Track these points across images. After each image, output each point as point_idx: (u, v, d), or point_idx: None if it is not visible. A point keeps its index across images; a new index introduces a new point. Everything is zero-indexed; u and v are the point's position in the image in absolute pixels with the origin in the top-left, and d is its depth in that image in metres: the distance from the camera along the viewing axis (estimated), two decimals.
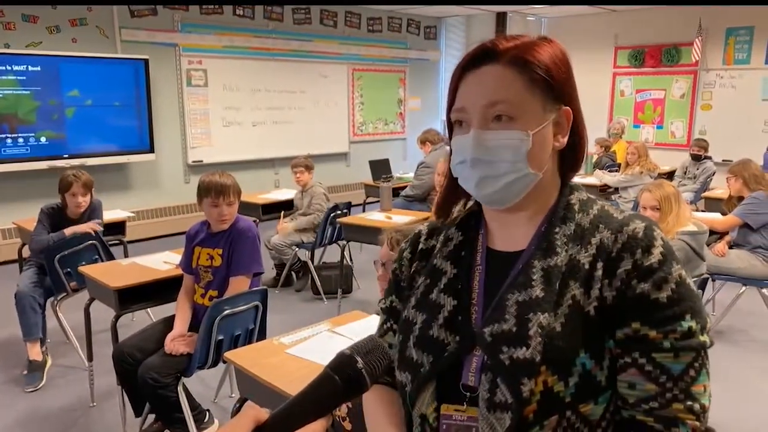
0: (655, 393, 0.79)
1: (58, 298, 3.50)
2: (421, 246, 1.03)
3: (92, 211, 3.73)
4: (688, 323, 0.79)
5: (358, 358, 0.69)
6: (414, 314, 0.95)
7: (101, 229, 3.67)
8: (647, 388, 0.79)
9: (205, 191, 2.61)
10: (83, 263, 3.33)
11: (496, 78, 0.86)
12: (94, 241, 3.54)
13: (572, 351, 0.80)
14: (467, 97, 0.88)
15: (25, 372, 3.33)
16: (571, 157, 0.92)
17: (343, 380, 0.67)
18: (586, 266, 0.83)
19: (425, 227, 1.06)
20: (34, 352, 3.36)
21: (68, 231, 3.53)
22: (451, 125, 0.92)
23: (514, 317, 0.83)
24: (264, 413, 0.65)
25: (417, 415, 0.91)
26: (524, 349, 0.80)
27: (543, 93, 0.86)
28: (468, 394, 0.86)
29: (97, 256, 3.54)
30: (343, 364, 0.69)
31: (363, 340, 0.73)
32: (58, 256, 3.36)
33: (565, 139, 0.89)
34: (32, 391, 3.21)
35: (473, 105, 0.87)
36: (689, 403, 0.78)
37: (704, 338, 0.80)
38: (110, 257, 3.60)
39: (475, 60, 0.88)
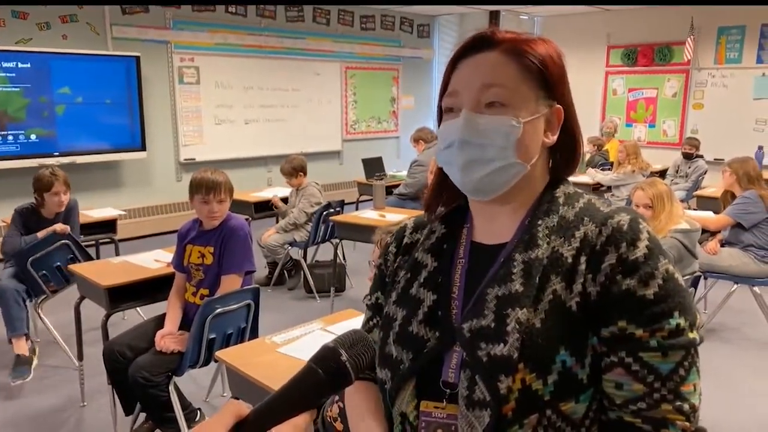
0: (643, 393, 0.77)
1: (38, 301, 3.45)
2: (405, 240, 1.01)
3: (68, 211, 3.62)
4: (677, 320, 0.76)
5: (342, 351, 0.67)
6: (394, 310, 0.93)
7: (69, 230, 3.54)
8: (635, 388, 0.77)
9: (196, 188, 2.60)
10: (58, 264, 3.27)
11: (491, 63, 0.85)
12: (66, 241, 3.43)
13: (551, 348, 0.77)
14: (461, 80, 0.87)
15: (12, 367, 3.26)
16: (565, 157, 0.91)
17: (326, 373, 0.66)
18: (569, 260, 0.81)
19: (411, 221, 1.04)
20: (20, 346, 3.27)
21: (41, 234, 3.43)
22: (441, 115, 0.91)
23: (492, 312, 0.81)
24: (245, 408, 0.64)
25: (397, 414, 0.89)
26: (502, 345, 0.78)
27: (537, 85, 0.86)
28: (448, 391, 0.85)
29: (71, 256, 3.44)
30: (326, 357, 0.67)
31: (347, 333, 0.72)
32: (30, 259, 3.29)
33: (555, 137, 0.88)
34: (19, 384, 3.13)
35: (467, 88, 0.86)
36: (678, 403, 0.76)
37: (693, 335, 0.77)
38: (86, 256, 3.51)
39: (472, 47, 0.88)
